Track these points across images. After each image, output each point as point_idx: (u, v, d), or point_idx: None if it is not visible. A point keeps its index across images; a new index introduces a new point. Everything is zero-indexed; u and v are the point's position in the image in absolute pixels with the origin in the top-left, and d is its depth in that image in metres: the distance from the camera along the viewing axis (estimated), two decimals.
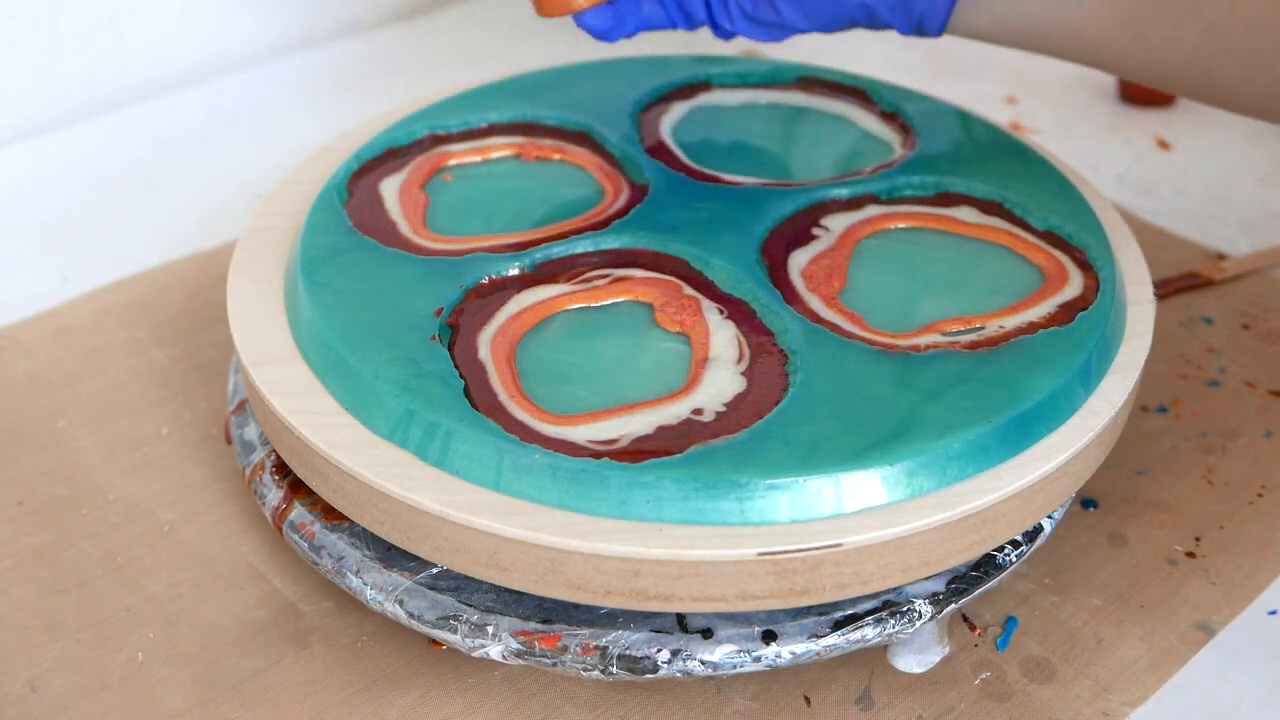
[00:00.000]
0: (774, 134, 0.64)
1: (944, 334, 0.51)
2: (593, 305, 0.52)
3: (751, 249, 0.54)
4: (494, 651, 0.46)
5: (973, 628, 0.51)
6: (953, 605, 0.47)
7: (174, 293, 0.67)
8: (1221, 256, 0.69)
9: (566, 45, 0.91)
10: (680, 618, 0.46)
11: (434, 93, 0.66)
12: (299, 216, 0.58)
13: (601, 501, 0.44)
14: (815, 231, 0.56)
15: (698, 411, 0.47)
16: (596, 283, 0.53)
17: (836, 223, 0.57)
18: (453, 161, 0.61)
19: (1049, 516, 0.50)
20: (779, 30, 0.56)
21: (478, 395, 0.48)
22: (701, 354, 0.50)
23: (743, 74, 0.67)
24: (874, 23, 0.55)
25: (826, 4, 0.54)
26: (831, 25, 0.55)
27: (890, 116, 0.64)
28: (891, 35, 0.69)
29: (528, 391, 0.48)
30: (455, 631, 0.46)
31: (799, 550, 0.43)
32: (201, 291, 0.67)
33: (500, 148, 0.62)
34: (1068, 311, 0.52)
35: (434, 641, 0.49)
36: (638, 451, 0.45)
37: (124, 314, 0.65)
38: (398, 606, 0.47)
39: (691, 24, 0.57)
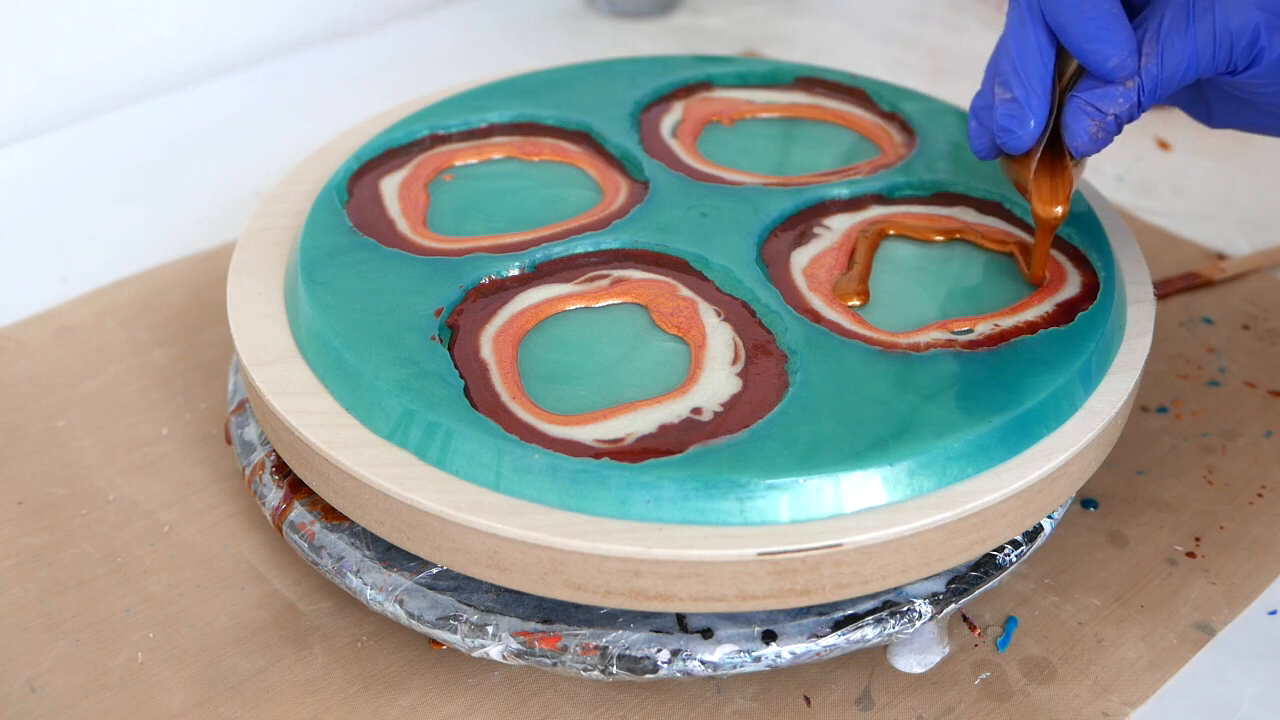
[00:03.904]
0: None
1: (944, 333, 0.51)
2: (593, 306, 0.52)
3: (751, 249, 0.54)
4: (494, 651, 0.46)
5: (973, 628, 0.51)
6: (953, 605, 0.47)
7: (174, 293, 0.67)
8: (1221, 256, 0.69)
9: (566, 45, 0.91)
10: (680, 618, 0.46)
11: (434, 93, 0.66)
12: (299, 216, 0.58)
13: (601, 501, 0.44)
14: (816, 231, 0.56)
15: (696, 411, 0.47)
16: (597, 283, 0.53)
17: (837, 222, 0.57)
18: (453, 161, 0.61)
19: (1049, 516, 0.50)
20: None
21: (479, 395, 0.48)
22: (699, 356, 0.50)
23: (743, 74, 0.67)
24: None
25: None
26: None
27: (890, 116, 0.64)
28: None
29: (528, 391, 0.48)
30: (455, 631, 0.46)
31: (799, 550, 0.43)
32: (201, 291, 0.67)
33: (500, 148, 0.62)
34: (1067, 311, 0.52)
35: (434, 641, 0.49)
36: (638, 451, 0.45)
37: (124, 314, 0.65)
38: (398, 606, 0.47)
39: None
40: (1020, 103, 0.47)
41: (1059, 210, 0.50)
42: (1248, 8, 0.45)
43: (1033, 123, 0.48)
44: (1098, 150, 0.48)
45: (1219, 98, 0.50)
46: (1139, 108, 0.47)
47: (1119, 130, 0.47)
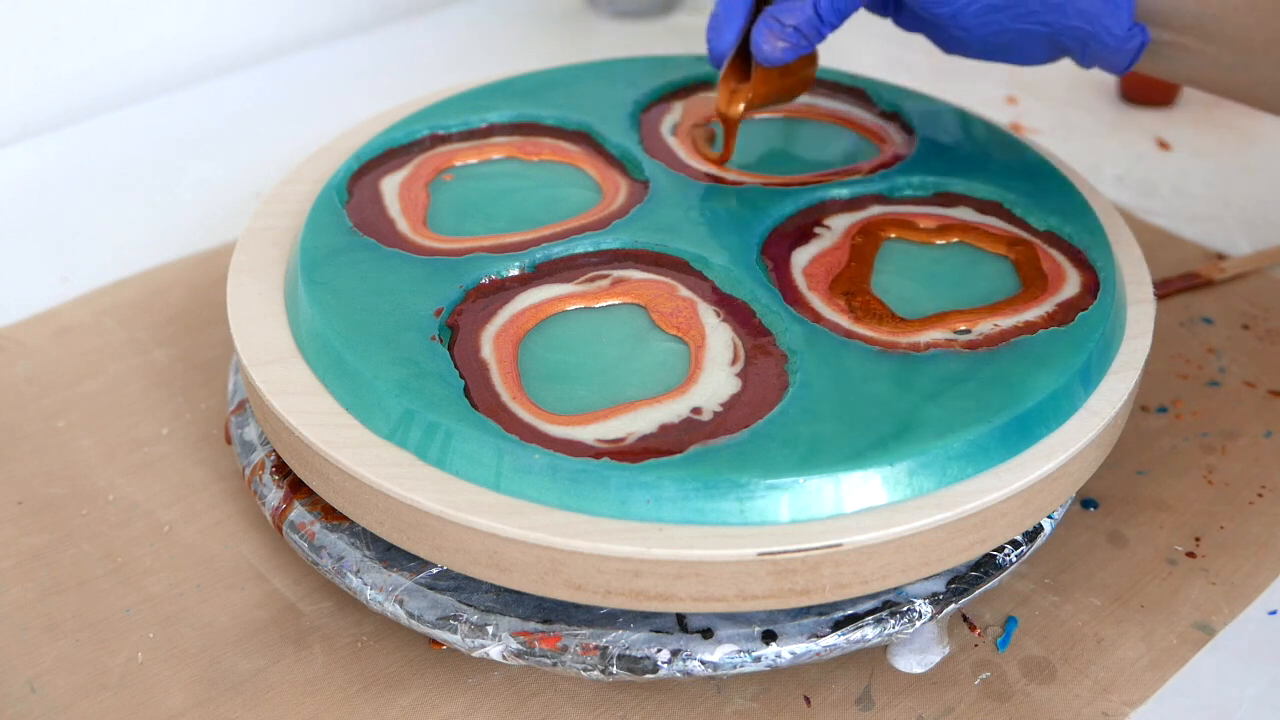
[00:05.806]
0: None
1: (944, 333, 0.51)
2: (593, 306, 0.52)
3: (752, 249, 0.54)
4: (494, 651, 0.46)
5: (973, 628, 0.51)
6: (953, 605, 0.47)
7: (174, 293, 0.67)
8: (1221, 256, 0.69)
9: (566, 45, 0.91)
10: (680, 618, 0.46)
11: (434, 93, 0.66)
12: (299, 216, 0.58)
13: (601, 501, 0.44)
14: (816, 231, 0.56)
15: (696, 411, 0.47)
16: (597, 283, 0.53)
17: (837, 222, 0.57)
18: (453, 161, 0.61)
19: (1049, 516, 0.50)
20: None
21: (479, 395, 0.48)
22: (699, 356, 0.50)
23: None
24: (1055, 50, 0.54)
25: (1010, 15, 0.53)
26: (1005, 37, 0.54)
27: (890, 116, 0.64)
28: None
29: (528, 391, 0.48)
30: (455, 631, 0.46)
31: (799, 550, 0.43)
32: (201, 291, 0.67)
33: (500, 148, 0.62)
34: (1068, 311, 0.52)
35: (434, 641, 0.49)
36: (638, 451, 0.45)
37: (124, 314, 0.65)
38: (398, 606, 0.47)
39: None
40: (720, 17, 0.54)
41: (736, 110, 0.57)
42: None
43: (726, 33, 0.54)
44: (782, 60, 0.54)
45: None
46: (819, 20, 0.53)
47: (804, 42, 0.53)
